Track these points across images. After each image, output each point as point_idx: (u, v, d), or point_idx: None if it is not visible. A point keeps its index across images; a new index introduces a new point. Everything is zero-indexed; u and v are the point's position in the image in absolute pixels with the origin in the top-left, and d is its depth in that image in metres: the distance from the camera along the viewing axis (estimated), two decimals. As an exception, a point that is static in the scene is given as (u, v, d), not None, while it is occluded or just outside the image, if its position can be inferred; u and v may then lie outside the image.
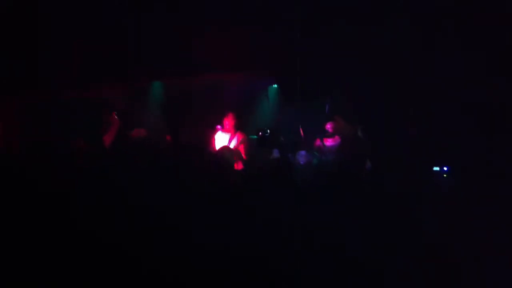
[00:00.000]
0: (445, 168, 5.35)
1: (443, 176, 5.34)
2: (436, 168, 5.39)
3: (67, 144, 4.84)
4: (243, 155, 5.93)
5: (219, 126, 6.82)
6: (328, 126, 7.21)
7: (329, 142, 6.90)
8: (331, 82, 6.37)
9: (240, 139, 6.49)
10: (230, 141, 6.48)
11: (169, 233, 3.36)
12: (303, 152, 6.39)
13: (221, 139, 6.53)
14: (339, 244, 3.55)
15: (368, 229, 3.69)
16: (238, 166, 6.14)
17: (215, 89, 8.26)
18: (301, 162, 6.38)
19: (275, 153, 6.27)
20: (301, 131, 7.75)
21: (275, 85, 8.33)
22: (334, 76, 6.29)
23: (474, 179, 4.85)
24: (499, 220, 3.92)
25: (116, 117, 5.94)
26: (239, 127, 6.60)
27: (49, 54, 6.36)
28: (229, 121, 6.54)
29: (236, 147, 6.34)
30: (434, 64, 5.84)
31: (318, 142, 7.20)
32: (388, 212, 3.89)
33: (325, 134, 7.19)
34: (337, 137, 6.72)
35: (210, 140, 6.63)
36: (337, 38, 6.11)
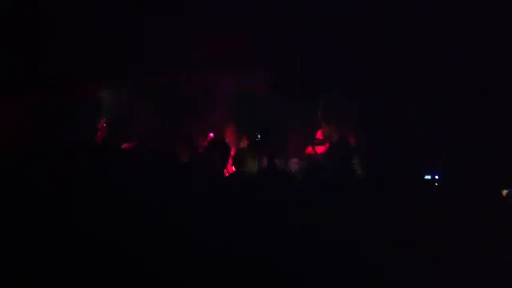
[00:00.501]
0: (436, 177, 5.36)
1: (435, 185, 5.35)
2: (428, 177, 5.41)
3: (67, 144, 4.83)
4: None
5: (211, 134, 6.78)
6: (319, 133, 7.22)
7: (320, 149, 6.90)
8: (330, 82, 6.36)
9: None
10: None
11: (169, 233, 3.36)
12: (295, 160, 6.41)
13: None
14: (338, 245, 3.55)
15: (365, 230, 3.69)
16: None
17: (213, 89, 8.28)
18: (293, 170, 6.40)
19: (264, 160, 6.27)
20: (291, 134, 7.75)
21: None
22: (333, 76, 6.28)
23: (472, 181, 4.86)
24: (497, 222, 3.93)
25: (104, 124, 5.89)
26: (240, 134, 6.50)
27: (49, 54, 6.35)
28: (230, 131, 6.42)
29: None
30: (434, 64, 5.83)
31: (309, 149, 7.21)
32: (386, 213, 3.90)
33: (316, 142, 7.20)
34: (328, 144, 6.69)
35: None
36: (336, 38, 6.10)
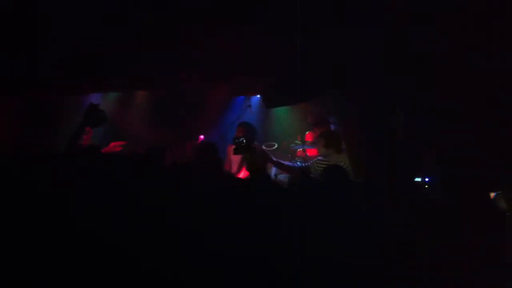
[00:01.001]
0: (426, 179, 5.38)
1: (425, 187, 5.38)
2: (418, 179, 5.42)
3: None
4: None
5: (202, 136, 6.79)
6: (309, 136, 7.22)
7: (311, 152, 6.90)
8: (329, 82, 6.35)
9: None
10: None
11: (169, 233, 3.37)
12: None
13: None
14: (337, 246, 3.56)
15: (363, 231, 3.71)
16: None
17: (211, 91, 8.31)
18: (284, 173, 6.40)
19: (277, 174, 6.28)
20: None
21: (258, 96, 8.39)
22: (332, 77, 6.27)
23: (461, 183, 4.89)
24: (485, 223, 3.96)
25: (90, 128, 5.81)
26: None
27: (49, 54, 6.34)
28: (240, 134, 6.35)
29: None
30: (434, 63, 5.83)
31: (300, 152, 7.22)
32: (379, 214, 3.92)
33: (307, 144, 7.22)
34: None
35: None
36: (336, 38, 6.09)
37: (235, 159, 6.31)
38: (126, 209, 3.43)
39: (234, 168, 6.37)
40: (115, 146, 5.94)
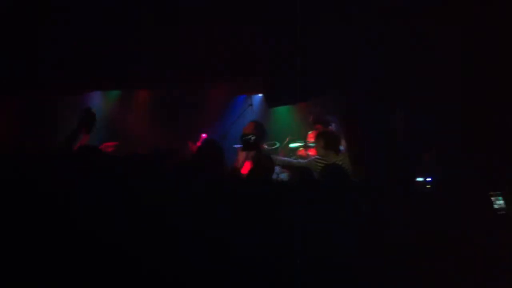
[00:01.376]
0: (428, 179, 5.38)
1: (427, 187, 5.38)
2: (420, 179, 5.42)
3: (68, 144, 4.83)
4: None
5: (204, 135, 6.76)
6: (311, 136, 7.18)
7: (312, 151, 6.87)
8: (329, 82, 6.34)
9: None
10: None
11: (169, 233, 3.37)
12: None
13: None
14: (336, 246, 3.56)
15: (362, 233, 3.71)
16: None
17: (211, 91, 8.31)
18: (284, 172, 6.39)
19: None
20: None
21: (260, 95, 8.39)
22: (332, 76, 6.26)
23: (462, 185, 4.88)
24: (486, 225, 3.96)
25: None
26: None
27: (49, 54, 6.34)
28: (249, 130, 6.28)
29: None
30: (432, 63, 5.83)
31: (302, 151, 7.20)
32: (379, 214, 3.92)
33: (308, 144, 7.20)
34: None
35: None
36: (336, 38, 6.09)
37: (241, 158, 6.26)
38: (126, 209, 3.42)
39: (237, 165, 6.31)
40: (106, 146, 5.92)
